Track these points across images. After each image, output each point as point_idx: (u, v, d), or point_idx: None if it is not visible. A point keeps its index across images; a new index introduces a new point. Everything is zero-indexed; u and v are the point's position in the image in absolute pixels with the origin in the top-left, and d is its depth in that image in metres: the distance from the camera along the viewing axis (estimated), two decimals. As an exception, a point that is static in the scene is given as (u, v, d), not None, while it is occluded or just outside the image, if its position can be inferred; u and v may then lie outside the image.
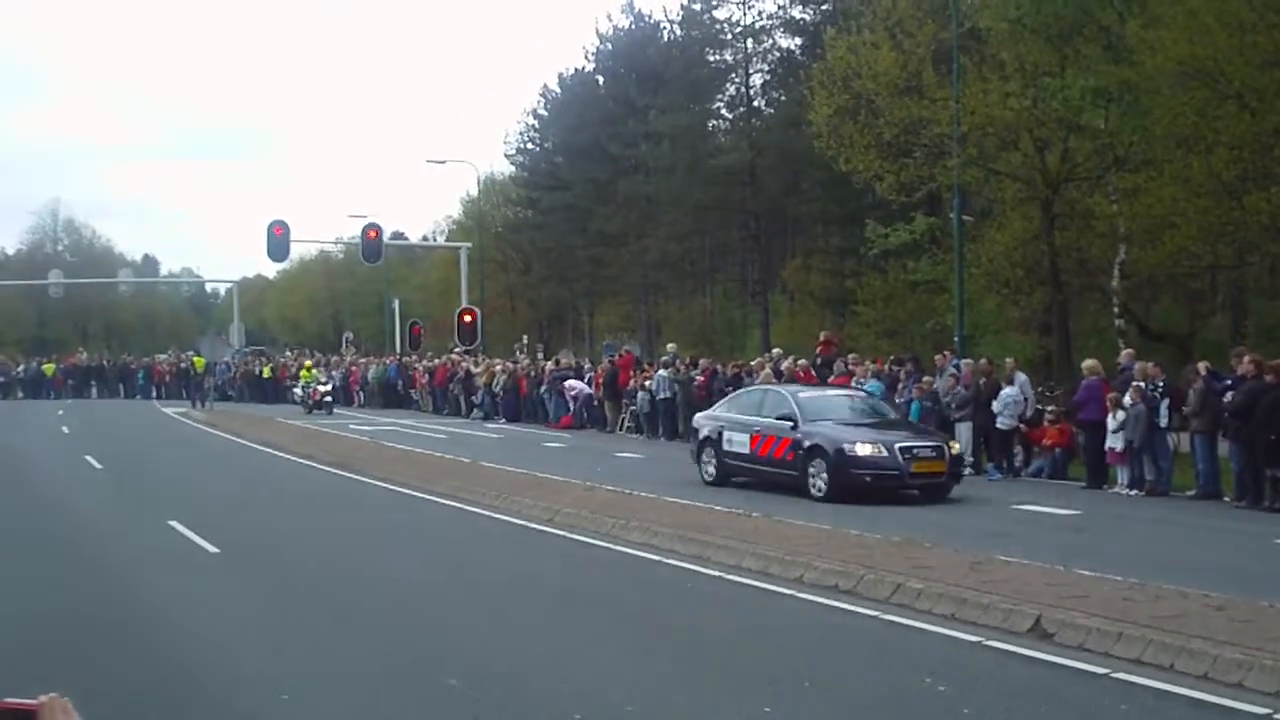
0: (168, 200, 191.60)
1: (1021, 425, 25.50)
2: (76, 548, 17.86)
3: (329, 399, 50.97)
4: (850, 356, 31.64)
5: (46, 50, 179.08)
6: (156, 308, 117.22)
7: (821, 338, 34.15)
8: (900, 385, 27.69)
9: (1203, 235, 29.04)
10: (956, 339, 31.94)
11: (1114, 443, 22.62)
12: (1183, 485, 22.20)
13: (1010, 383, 25.64)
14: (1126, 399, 22.39)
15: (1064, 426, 25.09)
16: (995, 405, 25.31)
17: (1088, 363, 25.00)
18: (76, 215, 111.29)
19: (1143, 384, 22.57)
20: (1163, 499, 21.79)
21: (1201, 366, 22.59)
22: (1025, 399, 25.54)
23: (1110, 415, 22.59)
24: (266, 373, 64.26)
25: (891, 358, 30.01)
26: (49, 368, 69.12)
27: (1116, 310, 33.82)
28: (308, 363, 59.06)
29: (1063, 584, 12.41)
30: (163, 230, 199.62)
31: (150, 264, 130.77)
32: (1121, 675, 9.80)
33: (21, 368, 70.35)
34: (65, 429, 41.95)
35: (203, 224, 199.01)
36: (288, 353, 74.87)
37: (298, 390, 53.47)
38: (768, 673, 10.21)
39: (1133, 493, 22.28)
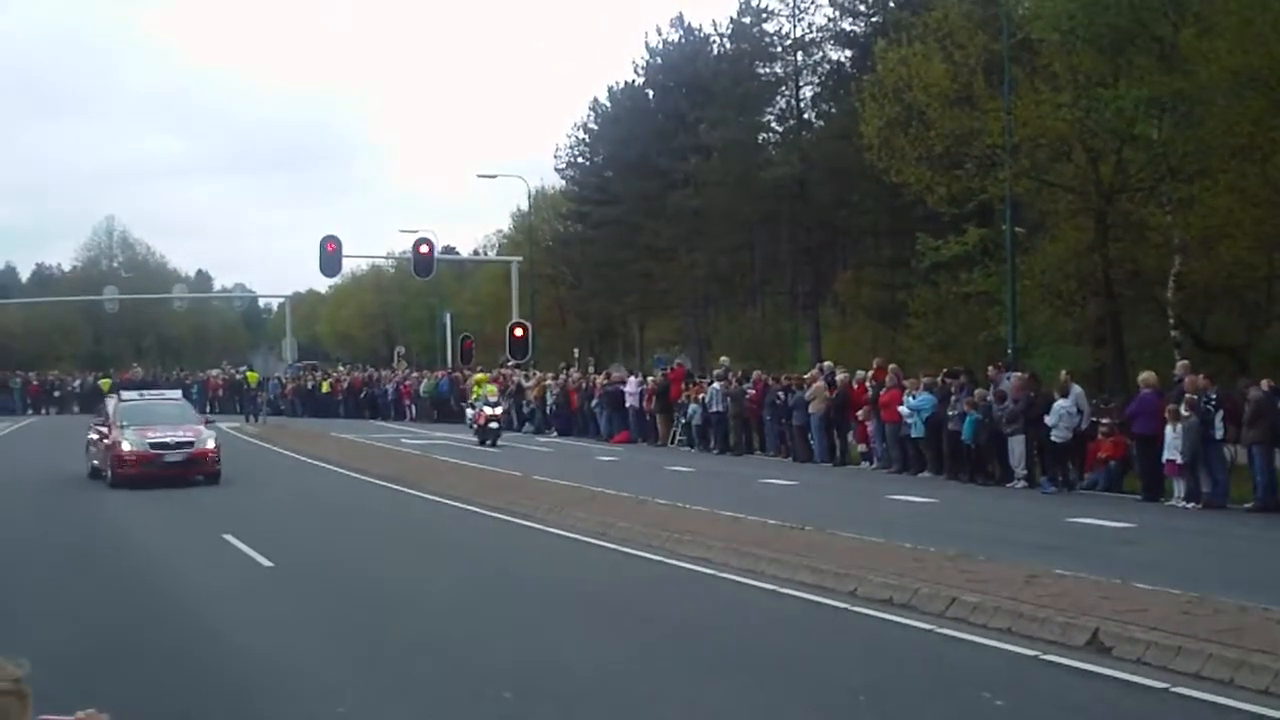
0: (221, 216, 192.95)
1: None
2: (131, 560, 18.02)
3: (495, 424, 39.67)
4: (890, 366, 31.40)
5: (101, 69, 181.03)
6: (209, 323, 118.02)
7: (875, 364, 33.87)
8: (952, 398, 27.55)
9: (1258, 245, 28.79)
10: (1009, 351, 31.75)
11: (1171, 454, 22.42)
12: (1240, 498, 21.97)
13: (1064, 395, 25.45)
14: (1182, 410, 22.19)
15: (1118, 439, 24.88)
16: (1049, 418, 25.13)
17: (1144, 375, 24.75)
18: (131, 231, 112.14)
19: (1194, 396, 22.36)
20: (1220, 511, 21.55)
21: (1265, 384, 22.34)
22: (1080, 412, 25.34)
23: (1169, 427, 22.39)
24: (325, 388, 64.58)
25: (944, 371, 29.84)
26: (105, 383, 69.63)
27: (1171, 322, 33.53)
28: (479, 374, 47.12)
29: (1120, 597, 12.30)
30: (216, 246, 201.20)
31: (204, 279, 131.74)
32: (1181, 690, 9.70)
33: (78, 382, 70.95)
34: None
35: (255, 239, 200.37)
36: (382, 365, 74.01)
37: (469, 411, 42.62)
38: (823, 688, 10.17)
39: (1189, 505, 22.06)
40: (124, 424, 28.24)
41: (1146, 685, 9.88)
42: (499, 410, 40.47)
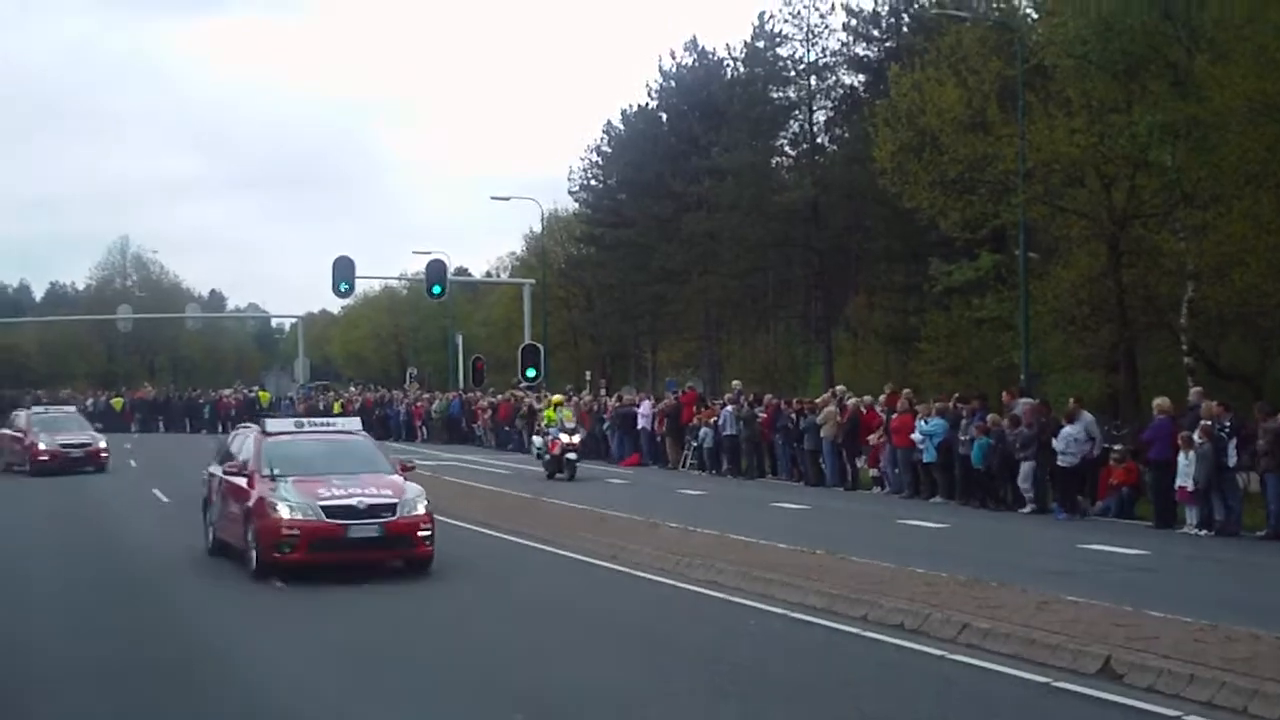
0: (235, 235, 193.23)
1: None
2: (143, 579, 18.05)
3: (573, 454, 34.25)
4: (903, 391, 31.36)
5: (117, 87, 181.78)
6: (222, 342, 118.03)
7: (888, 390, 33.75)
8: (963, 423, 27.50)
9: (1272, 272, 28.72)
10: (1022, 377, 31.69)
11: (1184, 481, 22.34)
12: (1253, 525, 21.87)
13: (1072, 421, 25.40)
14: (1195, 437, 22.12)
15: (1131, 465, 24.80)
16: (1057, 444, 25.09)
17: (1158, 401, 24.64)
18: (145, 251, 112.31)
19: (1210, 422, 22.29)
20: (1233, 539, 21.45)
21: None
22: (1092, 439, 25.27)
23: (1182, 454, 22.32)
24: (337, 408, 64.61)
25: (956, 396, 29.80)
26: (117, 402, 69.87)
27: (1185, 348, 33.46)
28: (555, 397, 38.53)
29: (1132, 624, 12.26)
30: (229, 266, 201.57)
31: (217, 299, 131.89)
32: (1194, 718, 9.69)
33: (90, 401, 71.05)
34: (133, 462, 42.23)
35: (269, 260, 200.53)
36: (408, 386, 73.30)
37: (536, 440, 36.31)
38: (834, 713, 10.16)
39: (1202, 533, 21.97)
40: (276, 472, 17.95)
41: (1159, 713, 9.85)
42: (577, 439, 34.85)
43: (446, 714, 10.26)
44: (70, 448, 37.99)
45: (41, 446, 37.47)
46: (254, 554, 17.39)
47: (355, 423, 22.77)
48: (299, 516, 17.04)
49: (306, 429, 20.68)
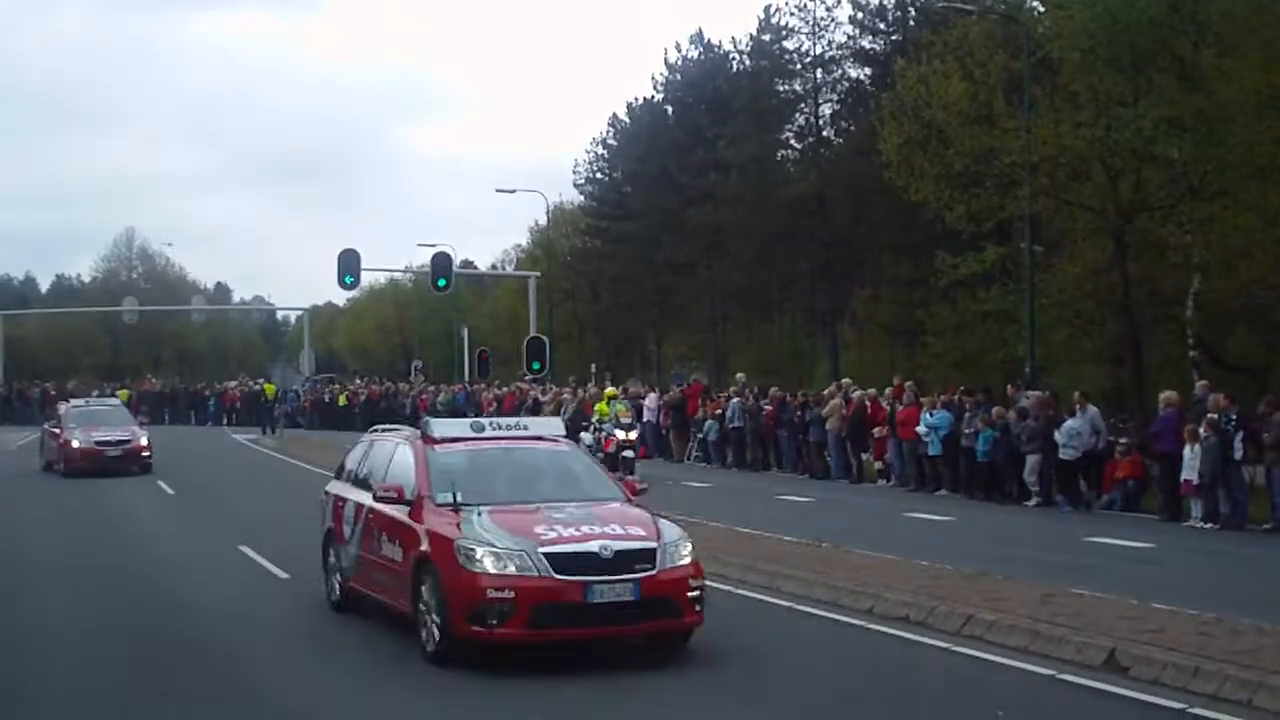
0: (240, 228, 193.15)
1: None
2: (147, 573, 18.03)
3: (629, 452, 30.66)
4: (907, 384, 31.34)
5: (122, 80, 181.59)
6: (228, 335, 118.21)
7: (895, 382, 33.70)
8: (967, 415, 27.50)
9: (1279, 265, 28.67)
10: (1028, 370, 31.66)
11: (1189, 475, 22.33)
12: (1259, 519, 21.87)
13: (1073, 414, 25.40)
14: (1201, 430, 22.11)
15: (1136, 458, 24.78)
16: (1058, 436, 25.11)
17: (1166, 394, 24.61)
18: (150, 243, 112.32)
19: (1216, 416, 22.27)
20: (1238, 532, 21.45)
21: None
22: (1098, 432, 25.27)
23: (1188, 447, 22.31)
24: (342, 400, 64.64)
25: (961, 389, 29.80)
26: (123, 394, 69.77)
27: (1190, 341, 33.43)
28: (609, 389, 35.22)
29: (1137, 617, 12.25)
30: (235, 258, 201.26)
31: (222, 291, 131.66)
32: (1199, 710, 9.68)
33: (96, 394, 71.01)
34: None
35: (274, 252, 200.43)
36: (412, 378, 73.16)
37: (586, 436, 30.90)
38: (839, 705, 10.16)
39: (1208, 526, 21.97)
40: (460, 499, 12.08)
41: (1164, 706, 9.85)
42: (634, 434, 32.05)
43: (454, 703, 10.26)
44: (106, 445, 33.82)
45: (74, 444, 33.51)
46: (434, 625, 11.65)
47: (556, 424, 15.86)
48: (512, 570, 11.26)
49: (489, 432, 13.90)
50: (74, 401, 39.24)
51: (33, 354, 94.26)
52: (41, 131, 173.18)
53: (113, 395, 68.02)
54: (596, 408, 32.93)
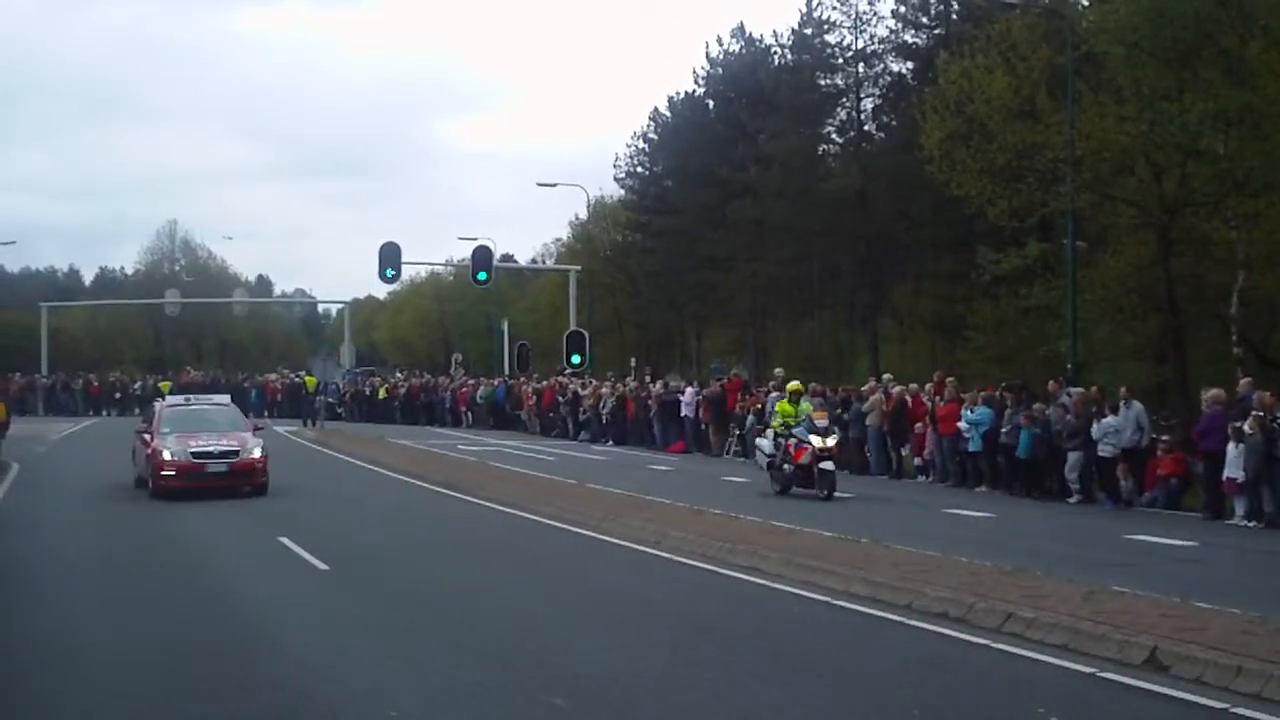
0: (282, 220, 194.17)
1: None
2: (186, 563, 18.12)
3: (828, 463, 25.23)
4: (948, 379, 31.19)
5: (166, 73, 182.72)
6: (269, 328, 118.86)
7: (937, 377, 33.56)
8: (1007, 412, 27.35)
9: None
10: (1069, 366, 31.48)
11: (1232, 472, 22.14)
12: (1304, 517, 21.66)
13: (1114, 411, 25.23)
14: (1246, 428, 21.91)
15: (1178, 456, 24.60)
16: (1095, 433, 24.98)
17: (1212, 392, 24.36)
18: (194, 235, 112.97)
19: (1261, 413, 22.06)
20: (1282, 531, 21.28)
21: None
22: (1141, 428, 25.10)
23: (1231, 444, 22.11)
24: (382, 393, 64.82)
25: (1003, 385, 29.65)
26: (165, 385, 70.16)
27: (1234, 338, 33.17)
28: (792, 384, 29.35)
29: (1179, 616, 12.13)
30: (277, 251, 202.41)
31: (264, 284, 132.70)
32: (1241, 710, 9.56)
33: (138, 385, 71.52)
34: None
35: (317, 246, 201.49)
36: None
37: (764, 443, 27.01)
38: (876, 701, 10.09)
39: (1251, 524, 21.79)
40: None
41: (1206, 705, 9.74)
42: (833, 442, 25.81)
43: (487, 696, 10.24)
44: (206, 458, 26.13)
45: (166, 456, 25.96)
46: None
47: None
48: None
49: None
50: (169, 399, 32.23)
51: (76, 345, 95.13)
52: (85, 125, 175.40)
53: (154, 387, 68.47)
54: (777, 407, 27.87)
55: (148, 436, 27.16)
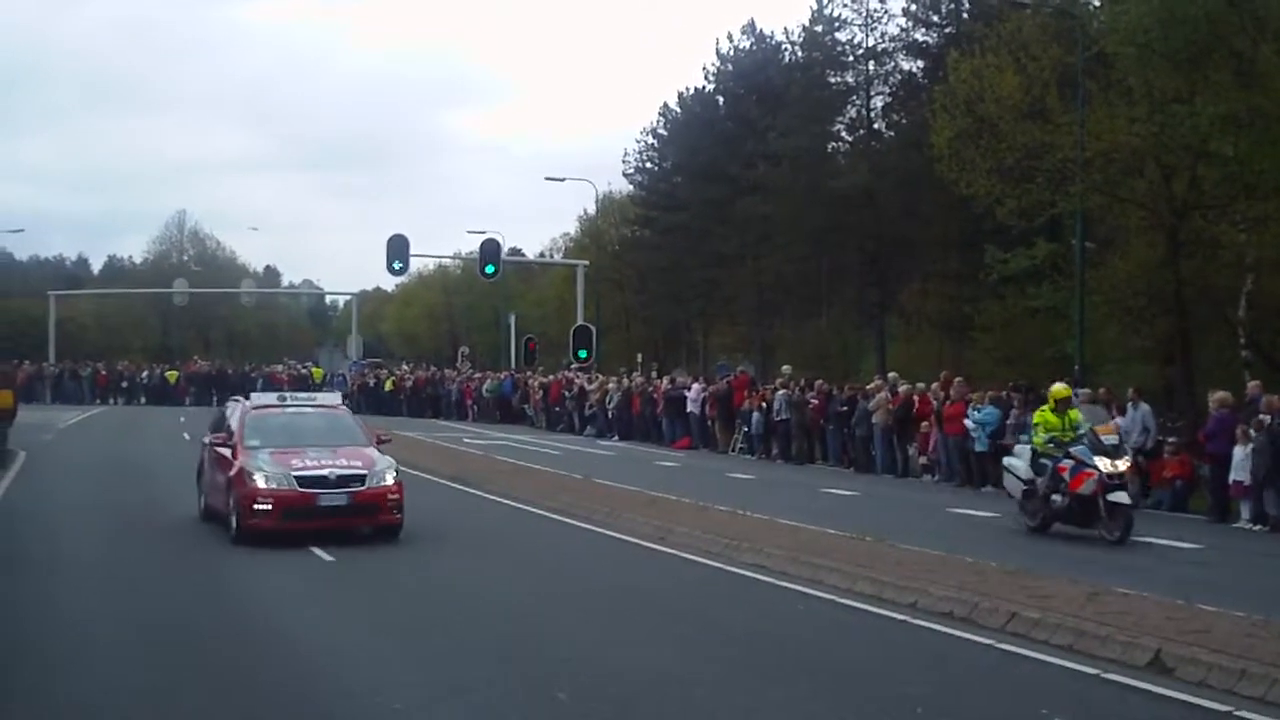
0: (290, 211, 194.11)
1: (1140, 456, 24.95)
2: (189, 551, 18.14)
3: (1122, 495, 19.30)
4: (955, 379, 31.17)
5: (174, 62, 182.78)
6: (276, 318, 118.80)
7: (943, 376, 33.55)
8: (1014, 413, 27.34)
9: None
10: (1077, 367, 31.46)
11: (1239, 475, 22.13)
12: (1309, 521, 21.65)
13: (1123, 412, 25.20)
14: (1252, 431, 21.90)
15: (1184, 458, 24.59)
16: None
17: (1219, 394, 24.33)
18: (202, 226, 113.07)
19: (1269, 417, 22.04)
20: (1287, 535, 21.27)
21: None
22: (1147, 430, 25.08)
23: (1238, 447, 22.10)
24: (389, 386, 64.85)
25: (1009, 385, 29.63)
26: (172, 375, 70.23)
27: (1242, 341, 33.14)
28: (1056, 387, 21.62)
29: (1183, 618, 12.15)
30: (285, 242, 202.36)
31: (272, 275, 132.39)
32: (1245, 713, 9.58)
33: (145, 374, 71.55)
34: (187, 435, 42.48)
35: (324, 237, 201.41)
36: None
37: (1018, 464, 21.30)
38: (880, 699, 10.11)
39: (1256, 528, 21.78)
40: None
41: (1210, 708, 9.75)
42: (1124, 465, 19.79)
43: (490, 690, 10.27)
44: (319, 487, 18.31)
45: (259, 482, 18.23)
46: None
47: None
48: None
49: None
50: (255, 398, 22.13)
51: (84, 334, 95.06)
52: (93, 114, 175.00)
53: (161, 376, 68.26)
54: (1036, 417, 21.38)
55: (226, 451, 19.53)
